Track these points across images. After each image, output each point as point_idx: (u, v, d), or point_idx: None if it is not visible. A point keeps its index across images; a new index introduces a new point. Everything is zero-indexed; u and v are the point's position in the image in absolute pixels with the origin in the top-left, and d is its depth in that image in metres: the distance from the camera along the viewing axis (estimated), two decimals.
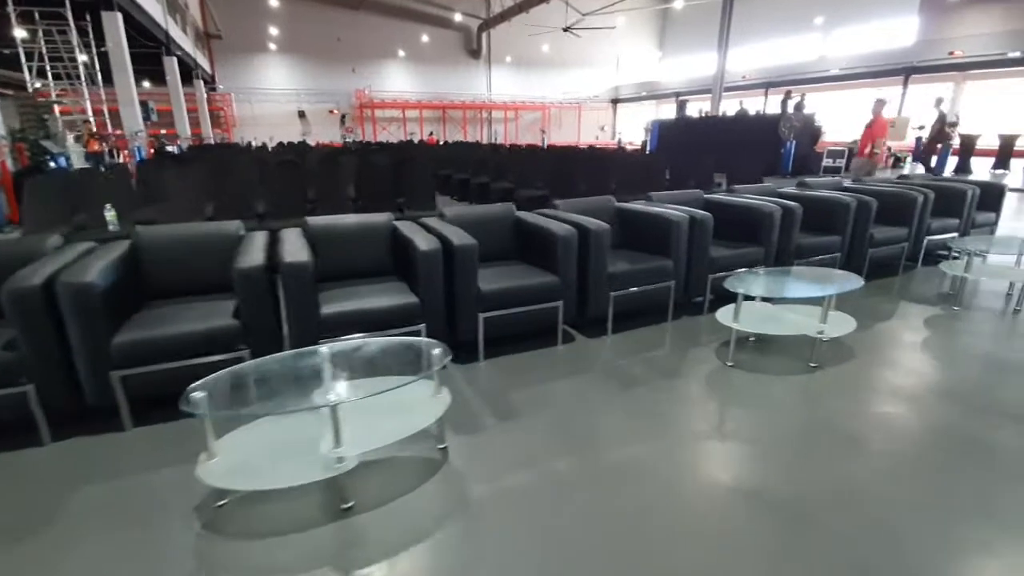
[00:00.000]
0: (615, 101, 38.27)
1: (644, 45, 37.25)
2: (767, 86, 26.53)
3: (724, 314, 2.92)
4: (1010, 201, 8.92)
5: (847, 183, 4.94)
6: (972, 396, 2.51)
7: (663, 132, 17.29)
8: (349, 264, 3.09)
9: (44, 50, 11.24)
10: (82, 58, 11.16)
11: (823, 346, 2.89)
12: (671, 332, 3.38)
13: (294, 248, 2.61)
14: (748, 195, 4.16)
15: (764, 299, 3.04)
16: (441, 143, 19.12)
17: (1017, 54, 17.45)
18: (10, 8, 10.21)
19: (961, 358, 2.97)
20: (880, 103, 7.46)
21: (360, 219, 3.24)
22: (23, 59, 10.98)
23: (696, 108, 21.18)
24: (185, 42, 20.69)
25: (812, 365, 2.80)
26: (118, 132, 12.82)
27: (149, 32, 15.56)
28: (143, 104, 13.34)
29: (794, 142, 12.71)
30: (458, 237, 2.84)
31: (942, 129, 12.08)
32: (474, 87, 34.31)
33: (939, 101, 12.34)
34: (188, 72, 22.07)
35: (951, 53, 18.74)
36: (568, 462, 2.07)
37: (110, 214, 4.01)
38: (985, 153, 13.82)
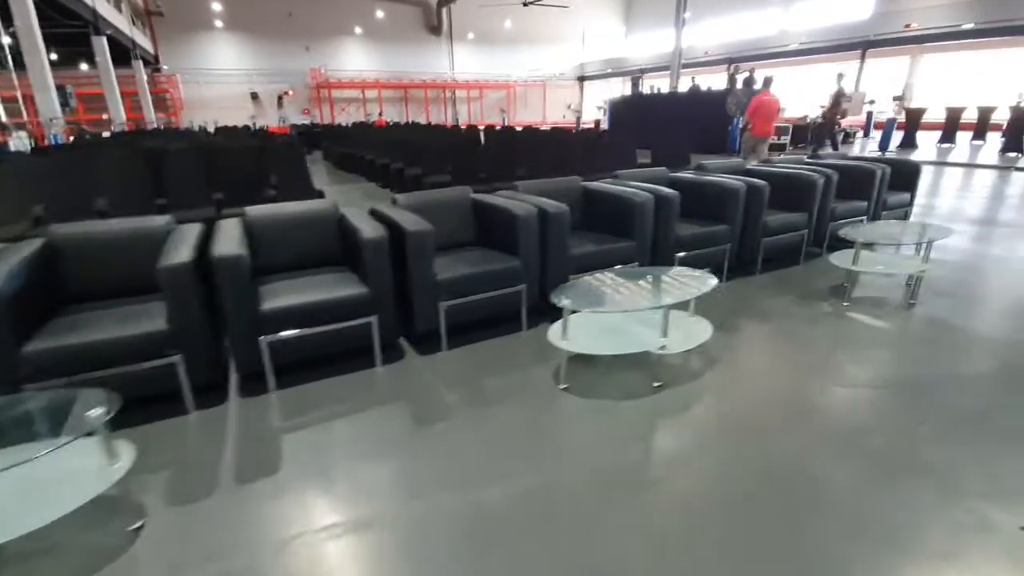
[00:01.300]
0: (582, 79, 37.61)
1: (609, 21, 36.55)
2: (729, 62, 26.19)
3: (554, 331, 2.58)
4: (954, 179, 8.89)
5: (751, 165, 4.69)
6: (823, 424, 2.22)
7: (615, 110, 16.95)
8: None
9: None
10: None
11: (671, 361, 2.62)
12: (504, 348, 2.99)
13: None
14: (630, 182, 3.87)
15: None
16: (394, 124, 18.44)
17: (971, 25, 17.43)
18: None
19: (826, 370, 2.68)
20: (767, 80, 7.74)
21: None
22: None
23: (651, 86, 20.86)
24: (119, 20, 19.46)
25: (656, 385, 2.49)
26: (37, 120, 11.95)
27: (73, 11, 14.52)
28: (60, 89, 12.47)
29: (741, 118, 12.49)
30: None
31: (837, 104, 12.05)
32: (436, 65, 33.31)
33: (840, 77, 12.26)
34: (125, 53, 20.86)
35: (907, 26, 18.64)
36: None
37: None
38: (935, 127, 13.83)
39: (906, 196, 4.99)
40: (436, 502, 1.80)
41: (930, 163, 10.91)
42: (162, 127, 20.94)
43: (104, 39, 16.84)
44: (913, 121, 12.49)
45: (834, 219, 4.41)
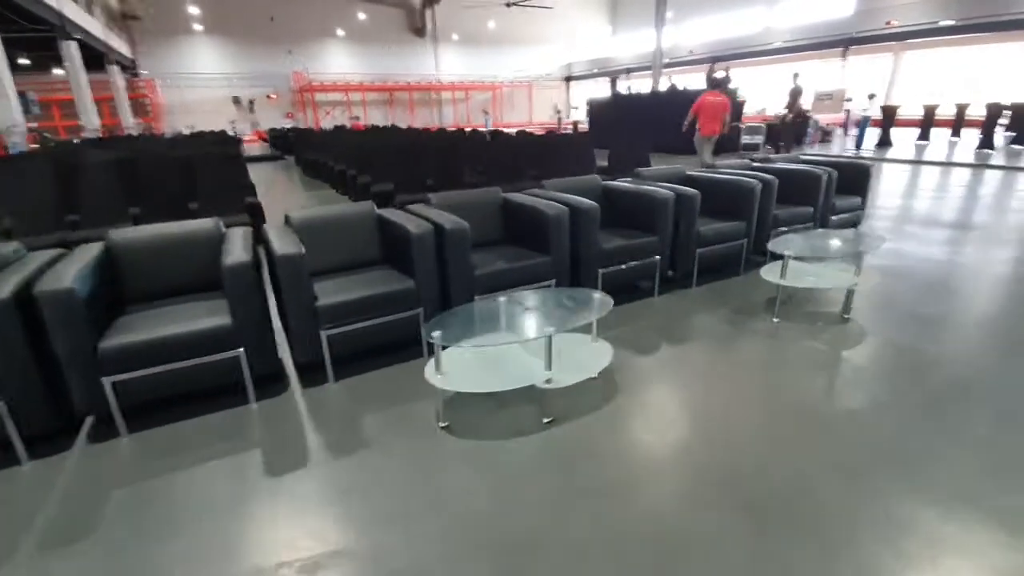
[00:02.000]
0: (568, 79, 37.45)
1: (595, 21, 36.42)
2: (714, 60, 26.11)
3: (429, 367, 2.32)
4: (928, 177, 8.72)
5: (695, 172, 4.49)
6: (719, 465, 2.00)
7: (594, 111, 16.76)
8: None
9: None
10: None
11: (567, 393, 2.38)
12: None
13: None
14: (552, 193, 3.65)
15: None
16: (371, 127, 18.18)
17: (951, 22, 17.33)
18: None
19: (738, 398, 2.47)
20: (714, 81, 8.19)
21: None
22: None
23: (627, 86, 20.81)
24: (91, 24, 19.15)
25: (546, 421, 2.27)
26: None
27: (37, 14, 14.22)
28: (21, 95, 12.18)
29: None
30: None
31: (795, 102, 11.91)
32: (421, 67, 33.08)
33: (795, 76, 12.12)
34: (100, 57, 20.55)
35: (888, 23, 18.54)
36: None
37: None
38: (912, 124, 13.69)
39: (857, 200, 4.80)
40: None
41: (903, 162, 10.77)
42: (138, 133, 20.62)
43: (73, 43, 16.56)
44: (888, 118, 12.34)
45: (776, 226, 4.21)
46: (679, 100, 13.93)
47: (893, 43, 19.52)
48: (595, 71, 34.52)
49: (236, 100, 28.68)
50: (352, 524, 1.77)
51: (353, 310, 2.65)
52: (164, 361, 2.28)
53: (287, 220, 3.08)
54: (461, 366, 2.34)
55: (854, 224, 4.90)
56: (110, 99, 22.10)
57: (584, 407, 2.40)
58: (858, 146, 11.96)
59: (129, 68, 25.03)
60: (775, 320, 3.26)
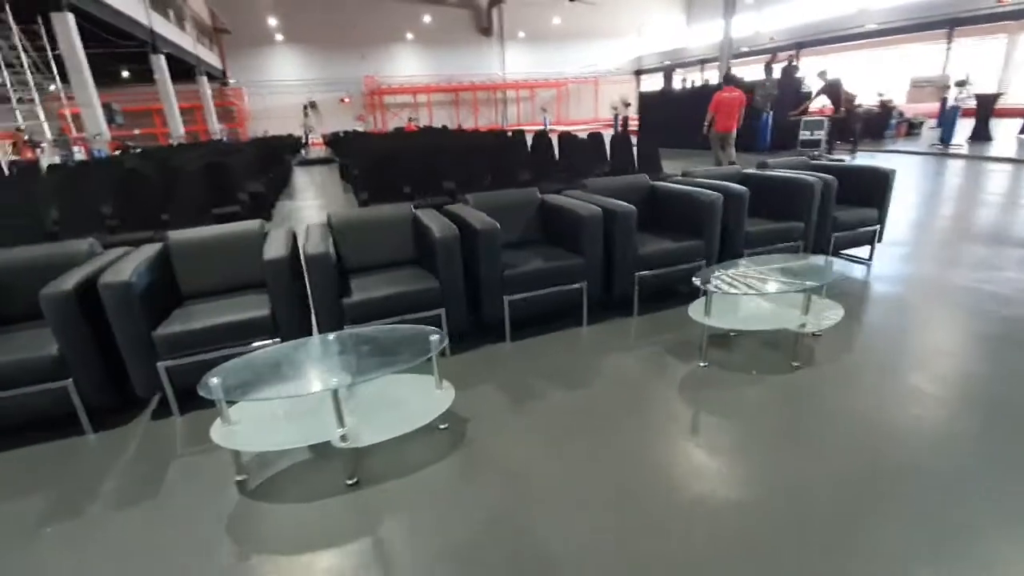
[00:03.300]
0: (638, 72, 36.05)
1: (668, 10, 34.74)
2: (798, 47, 23.98)
3: (216, 423, 2.05)
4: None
5: (678, 178, 3.96)
6: (538, 554, 1.66)
7: (645, 106, 15.87)
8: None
9: None
10: (27, 61, 11.33)
11: (381, 449, 2.07)
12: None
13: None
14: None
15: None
16: (424, 128, 18.44)
17: None
18: None
19: (599, 466, 2.04)
20: (728, 76, 7.93)
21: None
22: None
23: (682, 79, 19.69)
24: (182, 39, 21.02)
25: (349, 483, 1.96)
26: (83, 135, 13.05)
27: (128, 32, 15.76)
28: (106, 106, 13.52)
29: (771, 113, 11.14)
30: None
31: (837, 99, 10.25)
32: (487, 66, 33.26)
33: (823, 73, 10.49)
34: (190, 69, 22.51)
35: (1000, 0, 15.95)
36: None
37: None
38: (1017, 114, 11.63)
39: (871, 213, 4.01)
40: None
41: (997, 160, 9.13)
42: (224, 138, 22.35)
43: (162, 57, 18.22)
44: (985, 108, 10.51)
45: (748, 245, 3.60)
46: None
47: (1009, 22, 16.77)
48: (666, 63, 32.93)
49: (312, 104, 30.37)
50: None
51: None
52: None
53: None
54: (256, 417, 2.09)
55: (871, 242, 4.10)
56: (199, 107, 24.17)
57: (406, 464, 2.09)
58: (944, 141, 10.31)
59: (219, 78, 27.24)
60: (702, 364, 2.73)
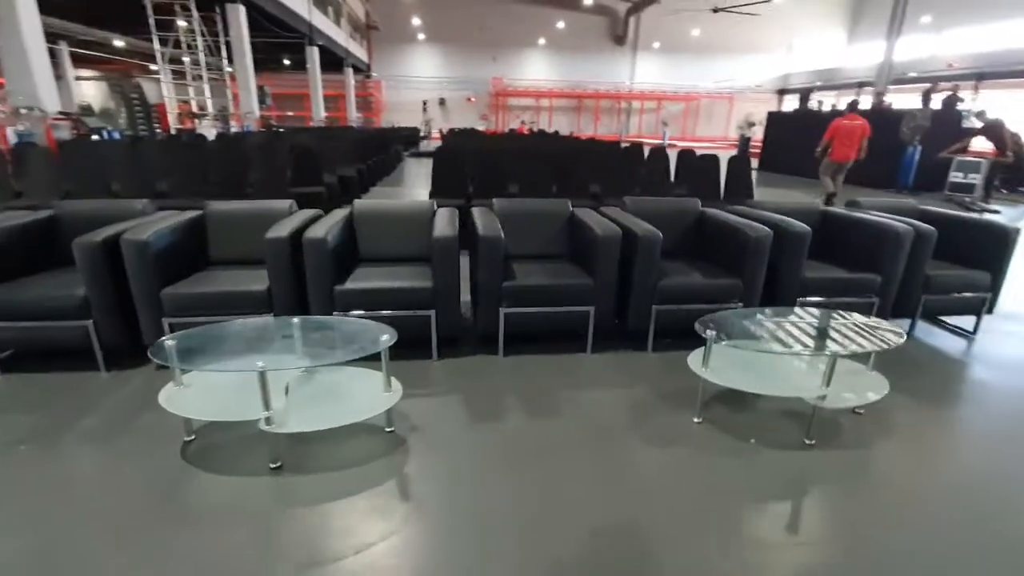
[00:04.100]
0: (782, 91, 33.29)
1: (826, 26, 31.64)
2: (978, 77, 20.65)
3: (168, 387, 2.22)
4: None
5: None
6: None
7: (772, 127, 14.53)
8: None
9: (182, 39, 13.57)
10: (201, 44, 13.21)
11: (306, 438, 2.02)
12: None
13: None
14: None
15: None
16: (537, 133, 18.55)
17: None
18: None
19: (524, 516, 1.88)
20: (852, 104, 7.41)
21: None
22: (156, 44, 13.36)
23: (818, 100, 17.91)
24: (336, 33, 23.23)
25: (272, 466, 1.97)
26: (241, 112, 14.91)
27: (291, 25, 17.76)
28: (260, 88, 15.35)
29: (918, 148, 9.58)
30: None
31: (1001, 139, 8.18)
32: (615, 75, 32.78)
33: (981, 113, 8.40)
34: (339, 61, 24.82)
35: None
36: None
37: None
38: None
39: (983, 276, 3.25)
40: None
41: None
42: (357, 126, 24.36)
43: (316, 49, 20.27)
44: None
45: (805, 293, 3.09)
46: (881, 123, 11.32)
47: None
48: (818, 83, 30.03)
49: (442, 101, 32.07)
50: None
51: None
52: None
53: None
54: (208, 386, 2.17)
55: (974, 312, 3.34)
56: (343, 95, 26.58)
57: (337, 460, 2.06)
58: None
59: (363, 70, 29.74)
60: (696, 420, 2.38)
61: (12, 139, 6.85)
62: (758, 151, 15.03)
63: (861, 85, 26.62)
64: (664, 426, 2.35)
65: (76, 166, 5.39)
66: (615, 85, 32.85)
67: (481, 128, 26.61)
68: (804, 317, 2.61)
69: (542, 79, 32.17)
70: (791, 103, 31.77)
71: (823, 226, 3.64)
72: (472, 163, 5.75)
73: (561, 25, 31.48)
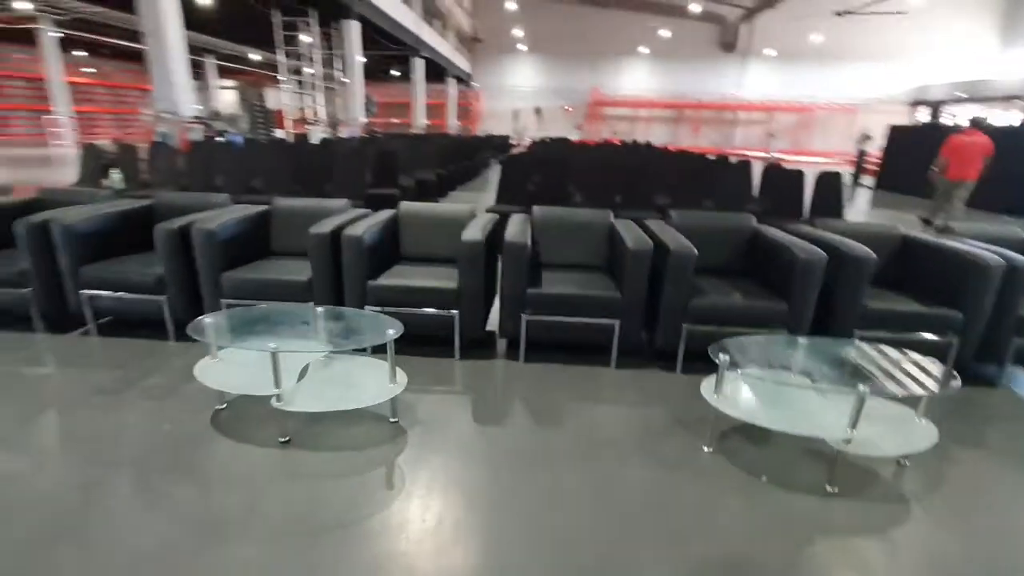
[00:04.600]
0: (918, 103, 29.82)
1: (975, 31, 27.91)
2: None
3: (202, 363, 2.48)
4: None
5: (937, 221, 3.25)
6: None
7: (893, 141, 13.06)
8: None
9: (303, 53, 15.04)
10: (319, 57, 14.58)
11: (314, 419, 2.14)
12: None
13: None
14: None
15: None
16: (629, 144, 18.14)
17: None
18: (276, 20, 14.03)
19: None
20: (975, 120, 6.89)
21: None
22: (280, 57, 14.90)
23: (951, 114, 15.73)
24: (442, 45, 24.46)
25: (282, 440, 2.14)
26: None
27: (398, 38, 19.02)
28: (367, 97, 16.56)
29: None
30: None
31: None
32: (722, 84, 31.31)
33: None
34: (443, 72, 26.09)
35: None
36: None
37: (116, 176, 5.52)
38: None
39: None
40: None
41: None
42: (454, 133, 25.44)
43: (421, 60, 21.49)
44: None
45: (866, 325, 2.77)
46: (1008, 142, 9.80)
47: None
48: (963, 96, 26.57)
49: (538, 111, 32.48)
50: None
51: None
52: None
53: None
54: (238, 362, 2.40)
55: None
56: (444, 104, 27.87)
57: (340, 443, 2.20)
58: None
59: (464, 80, 30.97)
60: (706, 449, 2.23)
61: (156, 139, 8.01)
62: (875, 168, 13.60)
63: (1010, 98, 23.14)
64: (670, 451, 2.24)
65: (195, 163, 6.18)
66: (721, 95, 31.36)
67: (574, 138, 26.63)
68: (848, 350, 2.35)
69: (642, 88, 31.52)
70: (925, 117, 28.38)
71: (903, 253, 3.26)
72: (539, 171, 5.79)
73: (665, 33, 30.67)
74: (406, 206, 3.44)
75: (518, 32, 30.88)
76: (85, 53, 23.51)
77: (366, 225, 2.94)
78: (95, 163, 5.81)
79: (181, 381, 2.65)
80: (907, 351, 2.30)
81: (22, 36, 18.17)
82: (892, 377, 2.08)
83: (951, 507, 1.96)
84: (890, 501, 1.97)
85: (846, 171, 9.93)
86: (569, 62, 31.64)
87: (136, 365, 2.82)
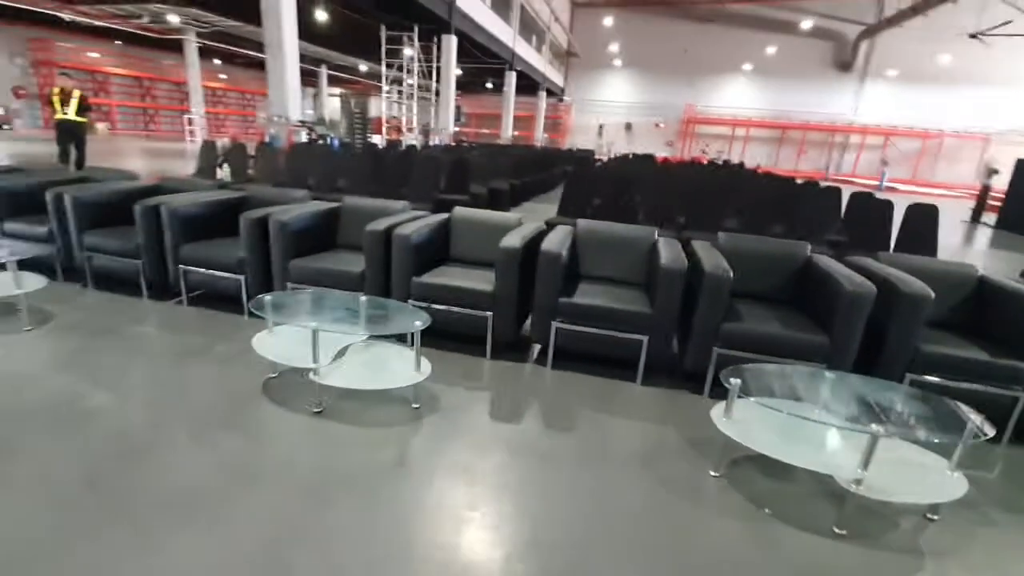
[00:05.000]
0: None
1: None
2: None
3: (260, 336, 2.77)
4: None
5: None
6: None
7: (1021, 177, 11.56)
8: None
9: (404, 64, 16.11)
10: (415, 69, 15.53)
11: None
12: None
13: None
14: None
15: None
16: (721, 164, 17.46)
17: None
18: (382, 35, 15.13)
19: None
20: None
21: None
22: (383, 68, 16.03)
23: None
24: (536, 60, 25.04)
25: (315, 410, 2.40)
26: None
27: (495, 53, 19.76)
28: (457, 108, 17.36)
29: None
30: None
31: None
32: (832, 104, 29.30)
33: None
34: (535, 85, 26.64)
35: None
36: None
37: (225, 169, 6.29)
38: None
39: None
40: None
41: None
42: (541, 146, 25.85)
43: (513, 74, 22.12)
44: None
45: (923, 368, 2.58)
46: None
47: None
48: None
49: (628, 126, 32.17)
50: None
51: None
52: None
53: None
54: (291, 338, 2.70)
55: None
56: (533, 116, 28.43)
57: (366, 419, 2.42)
58: None
59: (557, 94, 31.38)
60: (713, 474, 2.20)
61: (267, 139, 8.98)
62: (999, 205, 12.14)
63: None
64: (676, 471, 2.23)
65: (292, 162, 6.88)
66: (831, 116, 29.33)
67: (663, 155, 26.07)
68: (884, 391, 2.22)
69: (742, 106, 30.23)
70: None
71: (978, 296, 2.99)
72: (603, 187, 5.83)
73: (772, 50, 29.29)
74: (459, 211, 3.65)
75: (614, 47, 30.86)
76: (219, 61, 26.63)
77: (416, 226, 3.19)
78: (211, 158, 6.65)
79: (245, 351, 3.00)
80: (953, 400, 2.13)
81: (172, 45, 21.02)
82: (923, 422, 1.95)
83: (969, 570, 1.80)
84: (902, 552, 1.85)
85: (966, 207, 8.97)
86: (665, 78, 31.09)
87: (213, 333, 3.25)
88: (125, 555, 1.60)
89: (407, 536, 1.76)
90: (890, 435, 1.85)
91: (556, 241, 3.00)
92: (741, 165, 16.74)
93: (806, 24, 27.61)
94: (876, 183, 22.83)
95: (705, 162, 18.16)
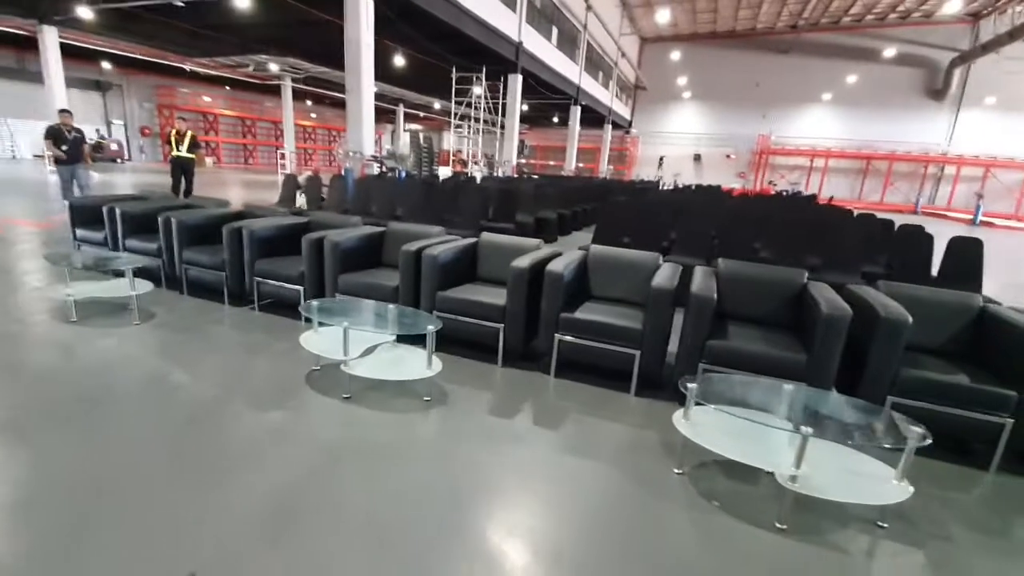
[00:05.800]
0: None
1: None
2: None
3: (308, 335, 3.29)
4: None
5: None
6: None
7: None
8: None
9: (472, 102, 17.22)
10: (483, 106, 16.53)
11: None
12: None
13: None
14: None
15: None
16: (792, 195, 16.94)
17: None
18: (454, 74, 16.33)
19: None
20: None
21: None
22: (452, 106, 17.20)
23: None
24: (602, 94, 25.66)
25: (345, 396, 2.90)
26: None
27: (559, 88, 20.57)
28: (521, 141, 18.18)
29: None
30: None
31: None
32: (924, 134, 27.58)
33: None
34: (602, 118, 27.21)
35: None
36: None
37: (301, 199, 7.20)
38: None
39: None
40: None
41: None
42: (606, 177, 26.20)
43: (578, 108, 22.80)
44: None
45: (903, 392, 2.66)
46: None
47: None
48: None
49: (697, 157, 31.82)
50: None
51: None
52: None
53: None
54: (332, 335, 3.23)
55: None
56: (599, 148, 28.92)
57: (385, 405, 2.88)
58: None
59: (623, 127, 31.75)
60: (676, 471, 2.43)
61: (343, 172, 10.03)
62: None
63: None
64: (644, 468, 2.48)
65: (361, 192, 7.72)
66: (922, 146, 27.58)
67: (734, 186, 25.54)
68: (839, 405, 2.37)
69: (820, 136, 29.13)
70: None
71: (979, 326, 3.02)
72: (638, 217, 6.12)
73: (853, 79, 28.18)
74: (486, 236, 4.12)
75: (683, 80, 30.92)
76: (311, 102, 29.54)
77: (444, 248, 3.67)
78: (291, 188, 7.63)
79: (296, 348, 3.58)
80: (899, 415, 2.26)
81: (271, 89, 23.74)
82: (863, 431, 2.11)
83: (894, 571, 1.93)
84: (835, 551, 2.00)
85: None
86: (736, 109, 30.68)
87: (274, 333, 3.87)
88: (193, 489, 2.12)
89: (395, 486, 2.17)
90: (821, 437, 2.03)
91: (562, 264, 3.37)
92: (812, 197, 16.18)
93: (889, 52, 26.43)
94: (971, 217, 21.11)
95: (771, 193, 17.70)
